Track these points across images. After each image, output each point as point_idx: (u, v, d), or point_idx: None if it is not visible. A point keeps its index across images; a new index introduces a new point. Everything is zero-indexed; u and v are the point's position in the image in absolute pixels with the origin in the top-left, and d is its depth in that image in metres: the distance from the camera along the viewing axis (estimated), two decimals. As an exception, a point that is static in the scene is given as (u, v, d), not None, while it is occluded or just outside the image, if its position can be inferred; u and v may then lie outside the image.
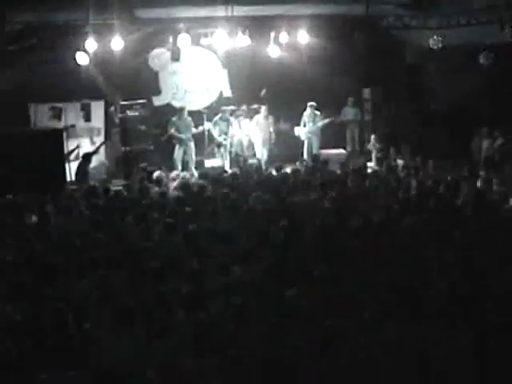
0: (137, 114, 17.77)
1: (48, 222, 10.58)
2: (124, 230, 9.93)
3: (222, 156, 17.87)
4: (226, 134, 17.82)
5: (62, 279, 7.84)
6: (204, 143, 18.28)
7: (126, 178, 15.56)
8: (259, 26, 17.28)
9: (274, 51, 17.47)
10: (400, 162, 15.34)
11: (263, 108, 18.11)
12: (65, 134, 16.08)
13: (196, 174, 16.67)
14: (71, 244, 9.21)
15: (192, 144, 17.48)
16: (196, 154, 17.66)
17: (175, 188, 12.88)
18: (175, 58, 17.97)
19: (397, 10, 17.05)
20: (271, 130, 18.23)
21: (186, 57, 18.40)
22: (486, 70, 16.16)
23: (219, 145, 17.84)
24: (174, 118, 17.41)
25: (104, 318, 6.83)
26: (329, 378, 5.86)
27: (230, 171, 15.49)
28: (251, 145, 18.28)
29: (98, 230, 9.77)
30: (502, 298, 6.84)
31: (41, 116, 16.77)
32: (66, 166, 15.64)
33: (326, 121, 18.05)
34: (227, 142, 17.87)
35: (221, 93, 19.42)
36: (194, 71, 19.11)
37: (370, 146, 18.25)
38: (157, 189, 12.63)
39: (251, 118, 18.29)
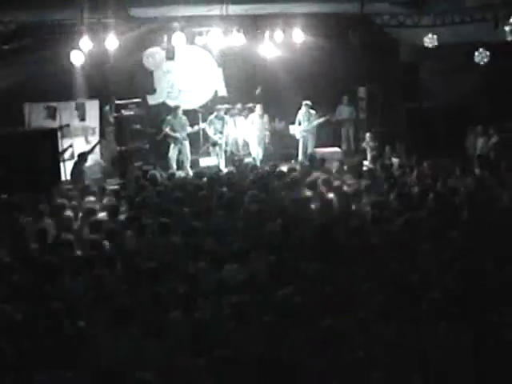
0: (132, 113, 17.77)
1: (42, 221, 10.54)
2: (118, 229, 9.92)
3: (217, 155, 17.87)
4: (221, 132, 17.81)
5: (57, 279, 7.83)
6: (199, 142, 18.29)
7: (121, 177, 15.54)
8: (254, 25, 17.26)
9: (268, 50, 17.46)
10: (395, 160, 15.33)
11: (258, 107, 18.12)
12: (59, 134, 16.07)
13: (191, 172, 16.68)
14: (66, 244, 9.18)
15: (187, 143, 17.48)
16: (191, 153, 17.66)
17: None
18: (170, 57, 17.94)
19: (391, 8, 17.04)
20: (266, 128, 18.24)
21: (180, 56, 18.37)
22: (480, 68, 16.16)
23: (214, 144, 17.84)
24: (169, 117, 17.41)
25: (100, 317, 6.82)
26: (328, 378, 5.86)
27: (225, 170, 15.46)
28: (246, 144, 18.29)
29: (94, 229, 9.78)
30: (500, 298, 6.84)
31: (36, 115, 16.71)
32: (61, 165, 15.61)
33: (322, 119, 18.07)
34: (222, 141, 17.88)
35: (216, 92, 19.41)
36: (189, 70, 19.08)
37: (365, 145, 18.25)
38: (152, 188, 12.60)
39: (246, 116, 18.30)
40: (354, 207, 10.95)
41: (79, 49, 15.38)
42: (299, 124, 18.13)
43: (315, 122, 18.04)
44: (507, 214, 10.17)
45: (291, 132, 18.36)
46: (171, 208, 10.73)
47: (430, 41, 16.40)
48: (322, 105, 18.40)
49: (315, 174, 13.04)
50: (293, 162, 17.41)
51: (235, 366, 5.71)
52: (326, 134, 18.82)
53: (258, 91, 18.93)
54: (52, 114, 16.82)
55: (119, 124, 17.66)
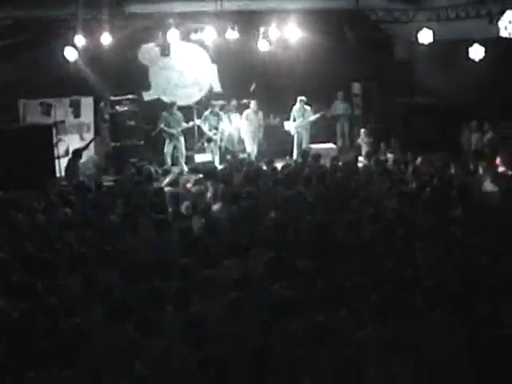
0: (126, 109, 17.77)
1: (37, 218, 10.53)
2: (114, 226, 9.92)
3: (212, 151, 17.88)
4: (216, 128, 17.82)
5: (52, 275, 7.83)
6: (194, 138, 18.29)
7: (116, 174, 15.53)
8: (249, 21, 17.28)
9: (263, 46, 17.46)
10: (390, 156, 15.35)
11: (253, 103, 18.13)
12: (54, 130, 16.06)
13: (186, 168, 16.69)
14: (61, 240, 9.18)
15: (182, 139, 17.50)
16: (186, 149, 17.66)
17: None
18: (165, 53, 17.94)
19: (386, 3, 17.08)
20: (261, 124, 18.24)
21: (175, 52, 18.36)
22: (475, 63, 16.17)
23: (209, 140, 17.83)
24: (164, 113, 17.41)
25: (95, 314, 6.83)
26: (321, 374, 5.87)
27: (219, 166, 15.45)
28: (241, 140, 18.29)
29: (88, 225, 9.77)
30: (493, 293, 6.86)
31: (30, 112, 16.71)
32: (56, 162, 15.60)
33: (317, 115, 18.07)
34: (217, 137, 17.88)
35: (211, 88, 19.41)
36: (184, 66, 19.10)
37: (360, 141, 18.26)
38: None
39: (241, 112, 18.30)
40: (349, 203, 10.93)
41: (74, 45, 15.39)
42: (294, 120, 18.13)
43: (310, 118, 18.05)
44: (502, 210, 10.19)
45: (286, 128, 18.36)
46: (167, 204, 10.74)
47: (424, 37, 16.40)
48: (316, 101, 18.40)
49: (309, 170, 13.07)
50: (287, 158, 17.40)
51: (228, 361, 5.72)
52: (321, 130, 18.82)
53: (252, 87, 18.94)
54: (47, 110, 16.81)
55: (114, 120, 17.67)
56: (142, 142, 17.88)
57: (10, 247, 8.95)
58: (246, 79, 18.86)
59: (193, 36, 17.67)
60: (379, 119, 18.72)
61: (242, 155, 17.17)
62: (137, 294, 7.09)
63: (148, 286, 7.18)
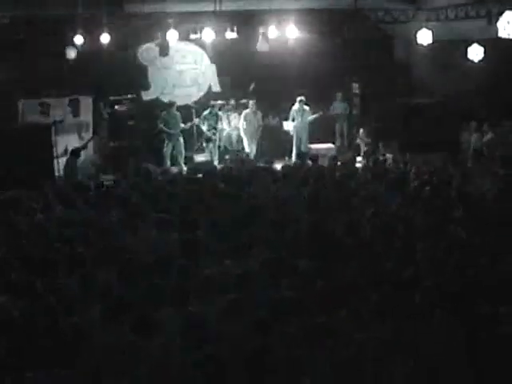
0: (125, 108, 17.75)
1: (35, 217, 10.52)
2: (113, 226, 9.90)
3: (210, 151, 17.87)
4: (214, 128, 17.83)
5: (51, 274, 7.81)
6: (193, 138, 18.28)
7: (114, 173, 15.51)
8: (248, 21, 17.32)
9: (262, 46, 17.45)
10: (389, 156, 15.36)
11: (252, 103, 18.12)
12: (53, 130, 16.04)
13: (185, 168, 16.68)
14: (60, 239, 9.17)
15: (181, 139, 17.49)
16: (185, 149, 17.65)
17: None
18: (164, 53, 17.93)
19: (386, 4, 17.08)
20: (260, 124, 18.24)
21: (174, 52, 18.36)
22: (474, 64, 16.18)
23: (208, 139, 17.83)
24: (163, 113, 17.40)
25: (94, 313, 6.82)
26: (321, 375, 5.87)
27: (218, 166, 15.43)
28: (240, 139, 18.29)
29: (88, 225, 9.76)
30: (493, 293, 6.86)
31: (29, 112, 16.68)
32: (55, 161, 15.58)
33: (316, 115, 18.06)
34: (216, 137, 17.88)
35: (209, 87, 19.40)
36: (183, 66, 19.09)
37: (358, 141, 18.27)
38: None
39: (240, 112, 18.29)
40: (349, 203, 10.93)
41: (73, 44, 15.38)
42: (293, 120, 18.13)
43: (311, 118, 18.05)
44: (502, 210, 10.19)
45: (285, 128, 18.37)
46: (167, 203, 10.72)
47: (424, 37, 16.40)
48: (315, 101, 18.41)
49: (307, 170, 13.07)
50: (286, 157, 17.41)
51: (228, 362, 5.71)
52: (320, 130, 18.82)
53: (251, 87, 18.93)
54: (46, 110, 16.79)
55: (113, 120, 17.65)
56: (141, 142, 17.87)
57: (10, 246, 8.94)
58: (244, 79, 18.85)
59: (192, 36, 17.68)
60: (378, 119, 18.72)
61: (240, 155, 17.17)
62: (136, 293, 7.08)
63: (147, 285, 7.18)
